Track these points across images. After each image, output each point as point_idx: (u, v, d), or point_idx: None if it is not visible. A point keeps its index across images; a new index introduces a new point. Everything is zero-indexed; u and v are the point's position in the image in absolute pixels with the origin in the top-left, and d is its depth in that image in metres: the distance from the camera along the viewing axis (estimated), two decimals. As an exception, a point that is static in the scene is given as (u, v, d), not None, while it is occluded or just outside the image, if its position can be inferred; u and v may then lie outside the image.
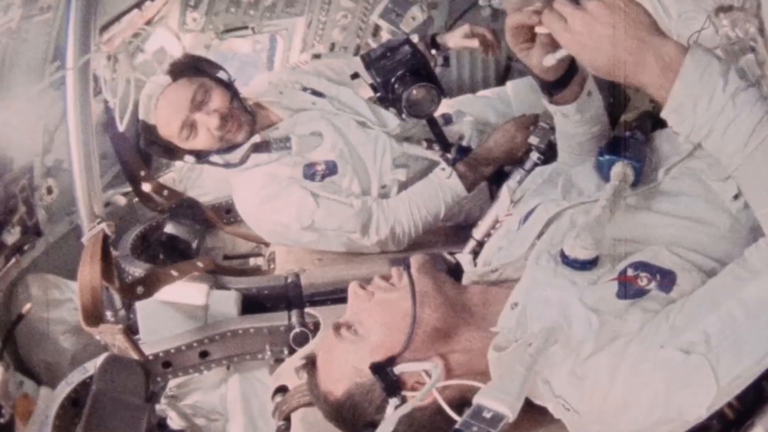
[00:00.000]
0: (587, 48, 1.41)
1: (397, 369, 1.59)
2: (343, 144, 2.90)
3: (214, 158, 2.97)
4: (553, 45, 1.55)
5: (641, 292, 1.46)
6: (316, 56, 4.31)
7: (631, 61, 1.37)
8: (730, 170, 1.38)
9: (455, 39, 3.23)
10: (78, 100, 2.54)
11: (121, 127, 2.94)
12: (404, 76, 2.24)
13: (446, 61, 3.40)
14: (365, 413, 1.64)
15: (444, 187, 2.83)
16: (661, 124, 1.52)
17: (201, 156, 2.97)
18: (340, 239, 2.90)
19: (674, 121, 1.38)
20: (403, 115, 2.30)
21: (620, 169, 1.71)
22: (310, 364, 1.76)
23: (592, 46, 1.40)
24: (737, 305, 1.32)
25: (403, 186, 2.93)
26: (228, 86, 2.95)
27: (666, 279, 1.47)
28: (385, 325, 1.64)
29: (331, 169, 2.87)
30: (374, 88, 2.35)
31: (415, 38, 3.40)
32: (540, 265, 1.62)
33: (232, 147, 2.93)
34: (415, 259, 1.76)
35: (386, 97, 2.30)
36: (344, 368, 1.66)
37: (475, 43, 3.20)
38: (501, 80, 4.23)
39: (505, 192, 2.17)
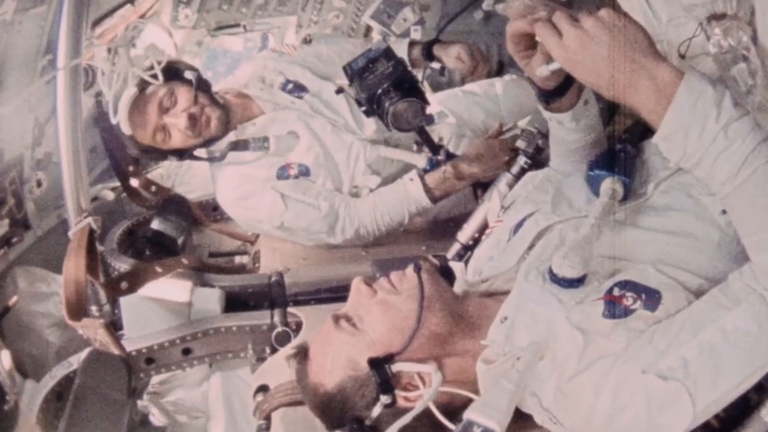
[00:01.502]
0: (580, 65, 1.39)
1: (395, 367, 1.60)
2: (319, 147, 2.99)
3: (198, 152, 3.08)
4: (551, 55, 1.49)
5: (627, 312, 1.46)
6: (307, 41, 4.30)
7: (624, 82, 1.34)
8: (720, 198, 1.38)
9: (450, 59, 3.32)
10: (68, 95, 2.55)
11: (114, 119, 2.96)
12: (389, 90, 2.22)
13: (443, 71, 3.43)
14: (354, 407, 1.64)
15: (410, 198, 2.90)
16: (652, 132, 1.47)
17: (183, 153, 3.07)
18: (308, 237, 3.01)
19: (665, 148, 1.37)
20: (390, 128, 2.31)
21: (610, 185, 1.71)
22: (302, 353, 1.76)
23: (585, 64, 1.38)
24: (717, 333, 1.34)
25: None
26: (192, 84, 3.02)
27: (651, 298, 1.46)
28: (385, 324, 1.65)
29: (304, 172, 2.97)
30: (359, 102, 2.35)
31: (404, 44, 3.44)
32: (528, 281, 1.63)
33: (212, 140, 3.03)
34: (425, 264, 1.76)
35: (372, 110, 2.30)
36: (340, 360, 1.66)
37: (464, 68, 3.30)
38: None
39: (495, 197, 2.16)
